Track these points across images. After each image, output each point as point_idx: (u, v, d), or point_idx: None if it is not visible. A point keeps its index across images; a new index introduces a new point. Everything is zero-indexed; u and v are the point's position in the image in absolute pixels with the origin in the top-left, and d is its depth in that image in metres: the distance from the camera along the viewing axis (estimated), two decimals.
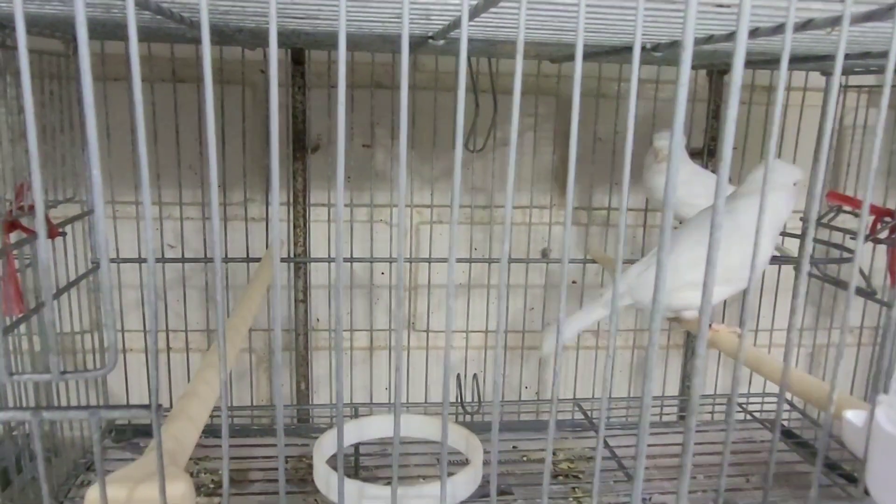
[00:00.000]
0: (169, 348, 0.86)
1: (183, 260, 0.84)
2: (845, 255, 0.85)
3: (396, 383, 0.32)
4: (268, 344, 0.93)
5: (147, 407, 0.30)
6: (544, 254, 0.95)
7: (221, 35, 0.59)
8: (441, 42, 0.52)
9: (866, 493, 0.35)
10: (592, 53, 0.69)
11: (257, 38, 0.66)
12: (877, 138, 0.31)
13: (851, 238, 0.82)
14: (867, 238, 0.80)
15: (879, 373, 0.34)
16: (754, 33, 0.41)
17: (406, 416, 0.71)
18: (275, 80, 0.28)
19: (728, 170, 0.28)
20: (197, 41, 0.71)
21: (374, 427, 0.71)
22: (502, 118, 0.86)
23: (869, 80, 0.92)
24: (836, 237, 0.87)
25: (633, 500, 0.33)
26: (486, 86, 0.84)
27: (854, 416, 0.37)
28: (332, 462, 0.67)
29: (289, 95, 0.82)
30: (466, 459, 0.68)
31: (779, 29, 0.39)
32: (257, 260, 0.83)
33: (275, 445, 0.83)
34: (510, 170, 0.29)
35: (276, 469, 0.78)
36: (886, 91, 0.31)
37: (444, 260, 0.89)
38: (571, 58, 0.78)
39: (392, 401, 0.93)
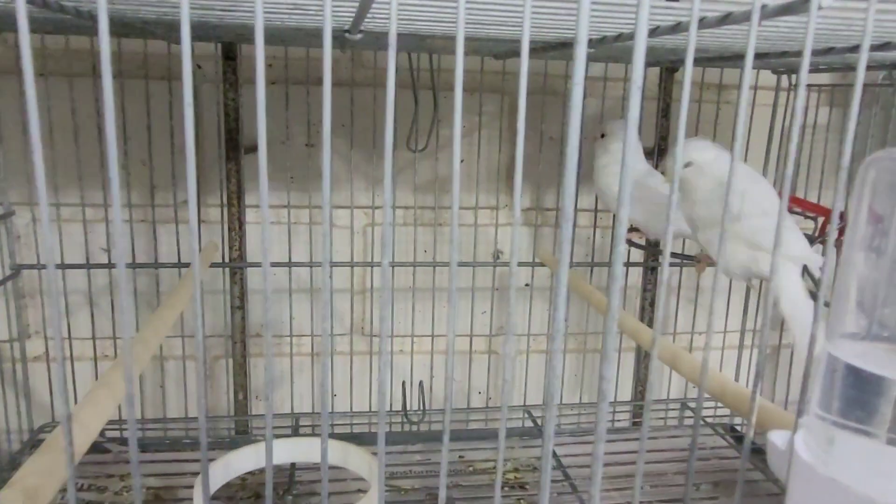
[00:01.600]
0: (96, 357, 0.82)
1: (110, 266, 0.80)
2: None
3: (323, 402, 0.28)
4: (210, 352, 0.89)
5: None
6: (496, 256, 0.92)
7: (129, 27, 0.55)
8: (358, 36, 0.48)
9: None
10: (537, 49, 0.66)
11: (174, 30, 0.63)
12: (846, 142, 0.29)
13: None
14: (815, 240, 0.78)
15: (804, 391, 0.32)
16: (702, 22, 0.39)
17: (308, 441, 0.66)
18: (188, 75, 0.24)
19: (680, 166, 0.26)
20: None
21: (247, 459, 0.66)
22: (444, 116, 0.83)
23: (822, 78, 0.91)
24: None
25: None
26: (427, 83, 0.81)
27: (777, 437, 0.34)
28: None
29: (220, 92, 0.78)
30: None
31: (724, 20, 0.36)
32: (188, 265, 0.79)
33: (210, 459, 0.80)
34: (454, 172, 0.26)
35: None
36: (858, 88, 0.29)
37: (390, 264, 0.86)
38: (514, 54, 0.75)
39: (329, 409, 0.90)
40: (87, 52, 0.76)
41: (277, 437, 0.82)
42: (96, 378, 0.84)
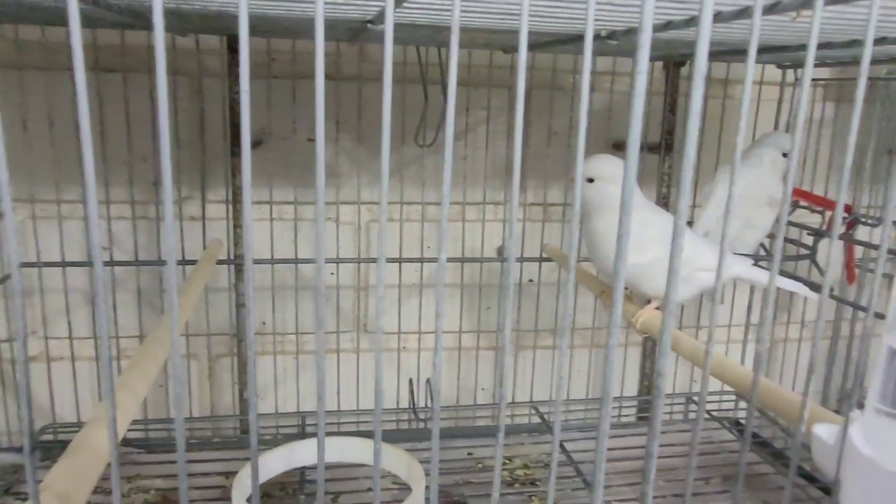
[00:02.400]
0: (98, 356, 0.80)
1: (112, 264, 0.78)
2: (802, 251, 0.83)
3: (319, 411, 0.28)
4: (209, 349, 0.88)
5: (18, 450, 0.25)
6: (500, 252, 0.91)
7: (138, 16, 0.54)
8: (381, 27, 0.48)
9: None
10: (545, 43, 0.66)
11: (185, 22, 0.61)
12: (851, 134, 0.29)
13: (809, 234, 0.81)
14: (823, 234, 0.78)
15: (856, 383, 0.32)
16: (717, 17, 0.38)
17: (340, 440, 0.65)
18: (162, 64, 0.23)
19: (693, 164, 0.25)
20: (112, 25, 0.65)
21: (304, 453, 0.65)
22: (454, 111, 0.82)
23: (824, 73, 0.91)
24: (793, 233, 0.86)
25: None
26: (437, 77, 0.80)
27: (823, 431, 0.34)
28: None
29: (226, 86, 0.77)
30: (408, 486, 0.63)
31: (742, 13, 0.36)
32: (194, 262, 0.78)
33: (216, 460, 0.79)
34: (446, 167, 0.25)
35: (215, 487, 0.74)
36: (862, 82, 0.29)
37: (396, 260, 0.85)
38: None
39: (339, 407, 0.89)
40: (88, 46, 0.74)
41: (293, 437, 0.81)
42: (98, 377, 0.83)
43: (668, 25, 0.49)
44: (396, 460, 0.60)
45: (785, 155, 0.76)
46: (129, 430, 0.82)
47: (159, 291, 0.81)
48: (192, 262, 0.78)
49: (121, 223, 0.80)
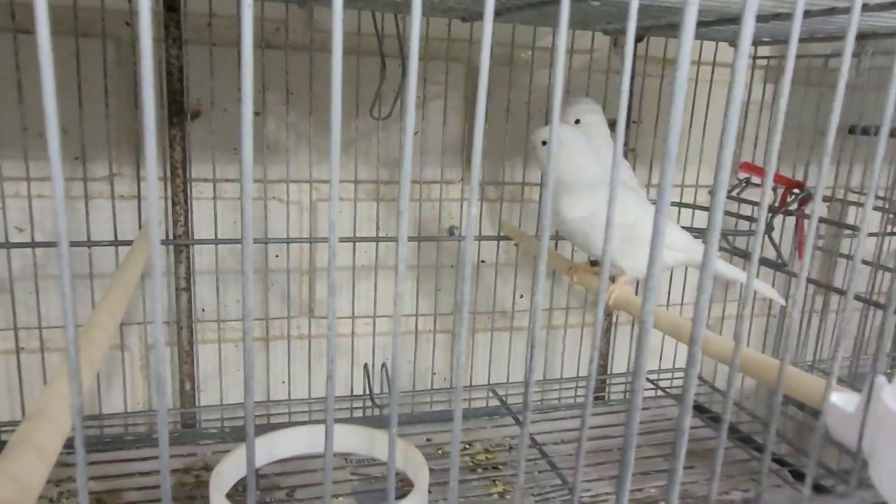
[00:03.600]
0: (19, 349, 0.72)
1: (33, 245, 0.70)
2: (754, 227, 0.84)
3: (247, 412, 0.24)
4: (144, 340, 0.81)
5: None
6: (451, 231, 0.88)
7: None
8: None
9: (861, 485, 0.31)
10: (506, 9, 0.63)
11: None
12: (780, 111, 0.27)
13: None
14: (778, 210, 0.79)
15: (879, 351, 0.31)
16: None
17: (323, 428, 0.61)
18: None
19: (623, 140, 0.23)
20: None
21: (285, 444, 0.60)
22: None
23: (779, 51, 0.92)
24: (746, 209, 0.87)
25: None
26: (394, 48, 0.76)
27: (842, 400, 0.33)
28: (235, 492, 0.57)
29: (162, 49, 0.70)
30: (405, 477, 0.60)
31: None
32: (128, 243, 0.71)
33: (153, 458, 0.72)
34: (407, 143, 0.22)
35: (158, 487, 0.68)
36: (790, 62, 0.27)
37: (349, 240, 0.81)
38: (482, 16, 0.71)
39: (289, 396, 0.84)
40: (3, 3, 0.66)
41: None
42: (19, 371, 0.75)
43: None
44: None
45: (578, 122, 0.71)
46: None
47: (89, 276, 0.74)
48: (128, 244, 0.71)
49: (42, 202, 0.72)
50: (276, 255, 0.83)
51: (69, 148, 0.72)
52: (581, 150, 0.61)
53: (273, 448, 0.58)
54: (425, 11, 0.71)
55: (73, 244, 0.71)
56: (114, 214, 0.72)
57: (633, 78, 0.86)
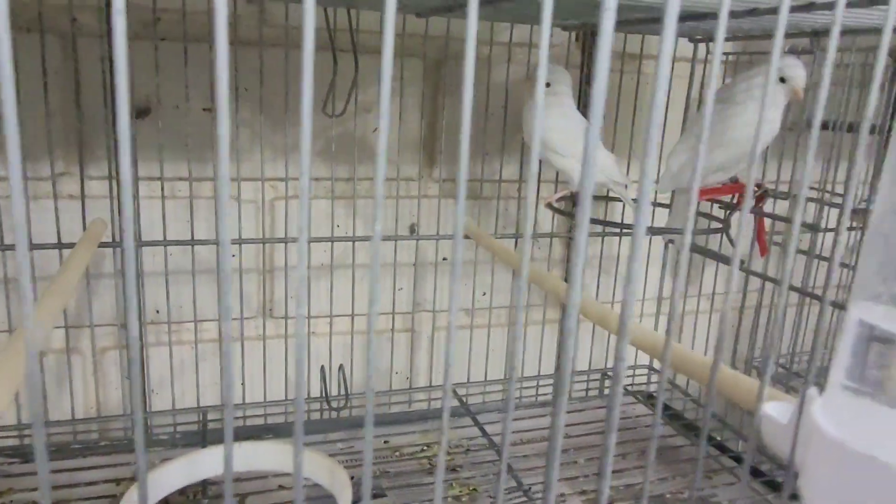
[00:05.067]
0: None
1: None
2: (713, 224, 0.84)
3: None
4: (100, 343, 0.79)
5: None
6: (412, 230, 0.87)
7: None
8: None
9: (793, 497, 0.31)
10: (459, 6, 0.62)
11: None
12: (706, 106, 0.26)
13: (720, 207, 0.82)
14: (735, 207, 0.79)
15: (812, 360, 0.30)
16: None
17: (252, 445, 0.59)
18: None
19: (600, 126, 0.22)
20: None
21: (207, 464, 0.58)
22: (364, 80, 0.77)
23: (736, 47, 0.92)
24: (704, 206, 0.87)
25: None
26: (346, 43, 0.74)
27: (776, 410, 0.32)
28: None
29: (104, 46, 0.68)
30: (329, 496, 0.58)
31: None
32: (72, 246, 0.69)
33: (104, 466, 0.70)
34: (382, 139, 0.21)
35: (106, 496, 0.66)
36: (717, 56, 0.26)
37: (318, 239, 0.79)
38: (436, 11, 0.70)
39: (245, 400, 0.83)
40: None
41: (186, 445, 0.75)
42: None
43: None
44: (316, 466, 0.55)
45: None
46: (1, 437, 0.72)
47: (33, 278, 0.71)
48: (72, 246, 0.69)
49: None
50: (233, 255, 0.81)
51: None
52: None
53: (194, 469, 0.55)
54: (376, 6, 0.69)
55: (8, 248, 0.69)
56: (57, 216, 0.70)
57: (591, 73, 0.85)
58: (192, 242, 0.75)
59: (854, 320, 0.27)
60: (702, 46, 0.85)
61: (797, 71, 0.69)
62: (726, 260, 0.82)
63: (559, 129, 0.74)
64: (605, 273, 0.97)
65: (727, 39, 0.83)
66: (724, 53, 0.92)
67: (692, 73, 0.86)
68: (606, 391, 0.94)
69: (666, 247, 0.95)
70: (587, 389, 0.95)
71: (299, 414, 0.24)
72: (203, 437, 0.76)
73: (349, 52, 0.74)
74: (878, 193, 0.27)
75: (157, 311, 0.79)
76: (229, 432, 0.24)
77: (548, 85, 0.74)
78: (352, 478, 0.74)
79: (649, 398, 0.93)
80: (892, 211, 0.27)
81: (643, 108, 0.88)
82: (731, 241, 0.80)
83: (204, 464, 0.54)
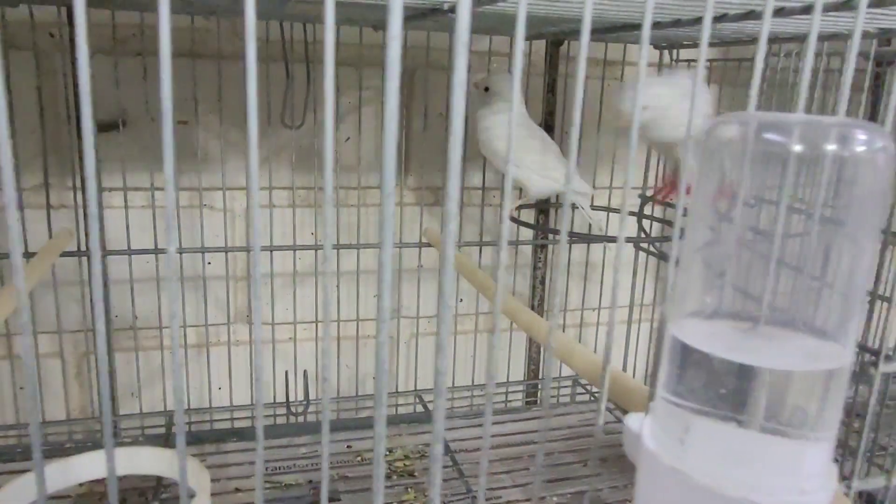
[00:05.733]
0: None
1: None
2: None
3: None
4: (76, 347, 0.82)
5: None
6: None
7: None
8: None
9: None
10: (408, 17, 0.63)
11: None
12: (635, 120, 0.27)
13: (639, 196, 0.82)
14: (649, 198, 0.79)
15: (655, 373, 0.30)
16: None
17: (126, 450, 0.59)
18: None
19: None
20: None
21: (80, 468, 0.58)
22: (319, 91, 0.78)
23: (711, 53, 0.92)
24: (671, 214, 0.86)
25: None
26: (301, 55, 0.76)
27: (634, 421, 0.33)
28: None
29: (67, 62, 0.71)
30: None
31: None
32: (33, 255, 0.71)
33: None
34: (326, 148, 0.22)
35: (64, 497, 0.68)
36: (703, 54, 0.27)
37: (279, 247, 0.81)
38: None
39: (232, 403, 0.85)
40: None
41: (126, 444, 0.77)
42: None
43: None
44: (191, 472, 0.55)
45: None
46: None
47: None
48: (33, 255, 0.72)
49: None
50: (209, 263, 0.84)
51: None
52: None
53: (68, 474, 0.56)
54: (338, 21, 0.71)
55: None
56: (23, 227, 0.73)
57: (555, 81, 0.86)
58: (156, 251, 0.77)
59: (670, 336, 0.27)
60: (666, 52, 0.85)
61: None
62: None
63: (506, 138, 0.74)
64: (578, 277, 0.97)
65: (692, 46, 0.83)
66: (693, 61, 0.91)
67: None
68: (578, 398, 0.94)
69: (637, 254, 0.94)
70: (558, 396, 0.95)
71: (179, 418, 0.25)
72: (167, 440, 0.78)
73: (303, 63, 0.76)
74: (691, 212, 0.27)
75: (136, 318, 0.82)
76: (182, 436, 0.25)
77: (486, 89, 0.74)
78: (310, 481, 0.76)
79: (618, 407, 0.92)
80: (706, 226, 0.27)
81: (608, 112, 0.88)
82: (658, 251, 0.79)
83: (78, 467, 0.55)
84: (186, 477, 0.27)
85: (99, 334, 0.23)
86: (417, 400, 0.88)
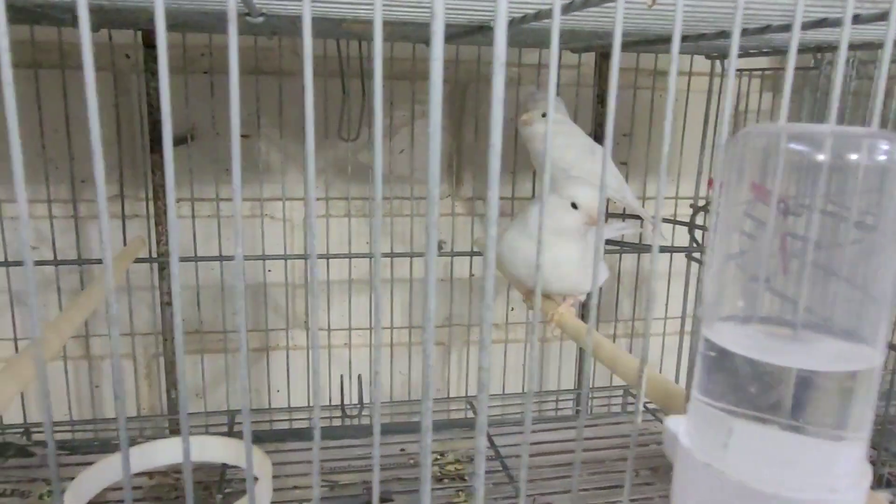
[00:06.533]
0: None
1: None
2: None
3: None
4: (147, 349, 0.87)
5: None
6: (440, 246, 0.91)
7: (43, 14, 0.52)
8: (259, 19, 0.47)
9: None
10: (455, 35, 0.65)
11: (98, 15, 0.59)
12: (666, 121, 0.28)
13: (691, 206, 0.81)
14: (700, 208, 0.79)
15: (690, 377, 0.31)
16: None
17: (201, 439, 0.62)
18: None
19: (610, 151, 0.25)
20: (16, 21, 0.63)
21: (162, 453, 0.61)
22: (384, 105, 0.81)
23: (762, 62, 0.91)
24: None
25: None
26: (357, 70, 0.79)
27: (673, 423, 0.34)
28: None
29: (142, 82, 0.76)
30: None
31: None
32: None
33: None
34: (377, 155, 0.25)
35: (136, 488, 0.73)
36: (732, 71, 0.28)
37: (335, 255, 0.84)
38: (444, 40, 0.73)
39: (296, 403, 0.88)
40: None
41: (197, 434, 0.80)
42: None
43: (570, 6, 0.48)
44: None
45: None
46: (54, 432, 0.81)
47: (81, 292, 0.80)
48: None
49: (42, 222, 0.78)
50: (270, 270, 0.88)
51: (64, 172, 0.78)
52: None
53: (144, 458, 0.60)
54: (386, 38, 0.74)
55: (64, 262, 0.77)
56: (100, 233, 0.78)
57: (604, 92, 0.87)
58: (221, 258, 0.81)
59: (703, 341, 0.28)
60: (718, 62, 0.85)
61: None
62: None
63: (565, 153, 0.73)
64: (630, 288, 0.97)
65: (756, 54, 0.82)
66: (752, 69, 0.91)
67: (710, 89, 0.86)
68: (629, 408, 0.94)
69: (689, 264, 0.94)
70: (609, 405, 0.95)
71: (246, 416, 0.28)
72: (230, 437, 0.81)
73: (359, 79, 0.79)
74: (720, 217, 0.28)
75: (201, 322, 0.86)
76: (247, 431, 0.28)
77: (543, 115, 0.74)
78: (364, 482, 0.78)
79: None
80: (736, 232, 0.28)
81: (658, 122, 0.88)
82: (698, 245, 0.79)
83: (158, 453, 0.59)
84: (252, 459, 0.30)
85: (177, 345, 0.26)
86: (468, 406, 0.89)
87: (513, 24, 0.57)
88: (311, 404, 0.88)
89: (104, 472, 0.56)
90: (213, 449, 0.60)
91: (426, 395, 0.27)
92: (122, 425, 0.26)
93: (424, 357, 0.27)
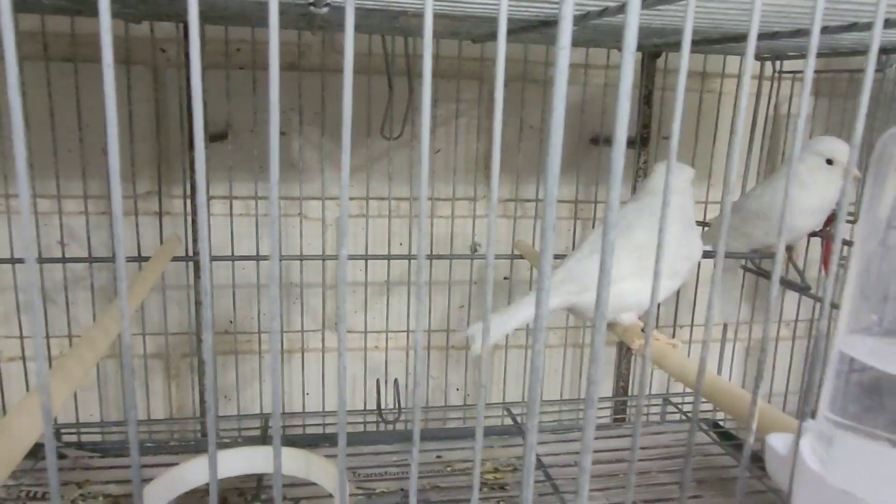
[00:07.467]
0: (50, 356, 0.77)
1: (63, 261, 0.75)
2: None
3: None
4: (177, 350, 0.85)
5: None
6: (474, 249, 0.89)
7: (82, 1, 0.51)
8: (324, 9, 0.45)
9: None
10: (515, 30, 0.63)
11: (133, 7, 0.58)
12: (737, 135, 0.26)
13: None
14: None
15: (809, 391, 0.29)
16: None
17: (254, 450, 0.61)
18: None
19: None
20: (56, 11, 0.62)
21: (223, 465, 0.60)
22: (420, 104, 0.79)
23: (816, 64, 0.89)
24: None
25: None
26: (402, 68, 0.77)
27: (777, 441, 0.31)
28: None
29: (183, 76, 0.74)
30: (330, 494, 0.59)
31: None
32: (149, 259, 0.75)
33: (173, 465, 0.75)
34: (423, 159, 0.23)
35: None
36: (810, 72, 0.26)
37: (362, 257, 0.83)
38: (492, 37, 0.72)
39: (323, 408, 0.86)
40: (37, 33, 0.71)
41: (235, 445, 0.79)
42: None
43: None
44: (324, 473, 0.57)
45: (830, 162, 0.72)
46: (82, 433, 0.79)
47: (115, 289, 0.78)
48: (148, 259, 0.75)
49: (76, 218, 0.77)
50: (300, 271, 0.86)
51: (102, 168, 0.76)
52: None
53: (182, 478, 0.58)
54: (436, 35, 0.72)
55: (98, 259, 0.75)
56: (137, 232, 0.76)
57: (651, 93, 0.85)
58: (258, 258, 0.79)
59: (838, 352, 0.26)
60: (768, 63, 0.83)
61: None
62: (794, 286, 0.78)
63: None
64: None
65: (797, 57, 0.80)
66: (799, 72, 0.88)
67: (759, 92, 0.84)
68: (668, 417, 0.92)
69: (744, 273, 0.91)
70: (648, 414, 0.93)
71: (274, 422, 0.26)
72: (263, 441, 0.80)
73: (405, 76, 0.77)
74: (861, 225, 0.26)
75: (231, 322, 0.84)
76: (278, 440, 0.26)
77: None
78: (401, 489, 0.76)
79: (714, 426, 0.89)
80: (877, 242, 0.26)
81: (706, 125, 0.86)
82: (795, 266, 0.77)
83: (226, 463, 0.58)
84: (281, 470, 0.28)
85: (206, 348, 0.24)
86: (506, 412, 0.87)
87: (576, 21, 0.55)
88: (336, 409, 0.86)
89: (174, 481, 0.54)
90: (262, 461, 0.59)
91: (480, 403, 0.25)
92: (133, 430, 0.24)
93: (532, 369, 0.25)
